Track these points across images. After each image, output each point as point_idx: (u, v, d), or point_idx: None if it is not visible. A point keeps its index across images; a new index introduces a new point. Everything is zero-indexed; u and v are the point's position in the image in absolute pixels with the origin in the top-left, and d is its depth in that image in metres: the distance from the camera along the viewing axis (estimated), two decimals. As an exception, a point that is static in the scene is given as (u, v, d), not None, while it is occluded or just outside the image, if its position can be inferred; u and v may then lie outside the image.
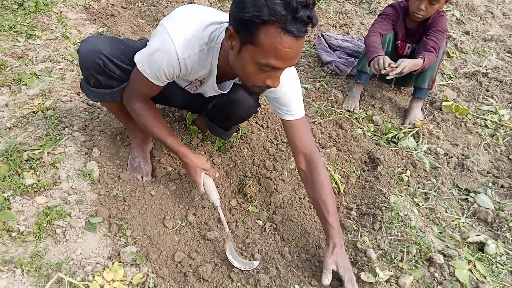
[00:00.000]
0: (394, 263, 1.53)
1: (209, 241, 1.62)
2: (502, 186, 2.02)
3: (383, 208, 1.75)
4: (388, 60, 2.11)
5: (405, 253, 1.55)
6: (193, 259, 1.54)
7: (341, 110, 2.46)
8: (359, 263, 1.54)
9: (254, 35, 1.07)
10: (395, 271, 1.50)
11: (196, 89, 1.65)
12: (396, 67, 2.07)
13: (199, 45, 1.30)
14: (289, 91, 1.48)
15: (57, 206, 1.57)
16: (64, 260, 1.41)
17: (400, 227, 1.67)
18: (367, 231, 1.67)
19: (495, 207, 1.89)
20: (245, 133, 2.10)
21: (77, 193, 1.68)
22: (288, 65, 1.17)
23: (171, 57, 1.29)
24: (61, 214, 1.53)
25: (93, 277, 1.35)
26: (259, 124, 2.22)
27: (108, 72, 1.47)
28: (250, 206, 1.79)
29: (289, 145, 1.62)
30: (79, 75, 2.59)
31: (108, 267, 1.41)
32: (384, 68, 2.10)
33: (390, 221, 1.69)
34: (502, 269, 1.58)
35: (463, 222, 1.81)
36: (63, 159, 1.79)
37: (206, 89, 1.58)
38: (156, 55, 1.31)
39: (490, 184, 2.03)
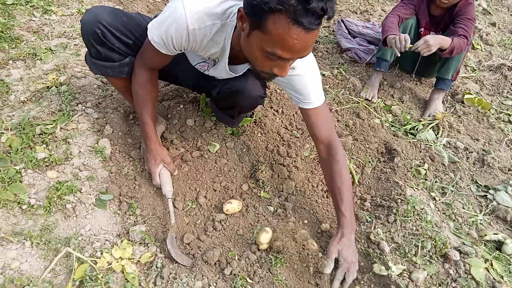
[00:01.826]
0: (408, 257, 1.49)
1: (219, 223, 1.59)
2: (523, 185, 1.94)
3: (399, 200, 1.70)
4: (409, 39, 2.04)
5: (419, 247, 1.51)
6: (202, 241, 1.52)
7: (359, 98, 2.39)
8: (371, 255, 1.50)
9: (263, 21, 1.02)
10: (408, 265, 1.46)
11: (207, 69, 1.60)
12: (422, 43, 1.99)
13: (212, 18, 1.25)
14: (306, 79, 1.42)
15: (68, 181, 1.56)
16: (73, 235, 1.40)
17: (415, 221, 1.62)
18: (381, 223, 1.63)
19: (515, 206, 1.82)
20: (259, 118, 2.06)
21: (88, 169, 1.66)
22: (296, 57, 1.11)
23: (181, 26, 1.24)
24: (72, 190, 1.52)
25: (101, 253, 1.34)
26: (274, 109, 2.17)
27: (107, 43, 1.44)
28: (262, 191, 1.75)
29: (308, 132, 1.56)
30: (94, 52, 2.57)
31: (117, 245, 1.40)
32: (405, 47, 2.03)
33: (406, 214, 1.64)
34: (520, 269, 1.52)
35: (481, 220, 1.75)
36: (75, 135, 1.78)
37: (219, 71, 1.53)
38: (166, 22, 1.27)
39: (511, 182, 1.96)
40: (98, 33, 1.40)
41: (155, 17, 1.64)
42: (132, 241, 1.44)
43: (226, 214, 1.63)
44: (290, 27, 0.98)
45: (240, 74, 1.48)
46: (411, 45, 2.07)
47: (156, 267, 1.38)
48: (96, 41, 1.43)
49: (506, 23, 3.49)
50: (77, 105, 1.96)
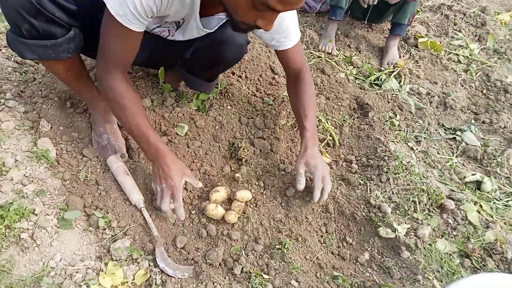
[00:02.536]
0: (409, 214, 1.48)
1: (210, 219, 1.40)
2: (483, 122, 2.05)
3: (386, 158, 1.67)
4: None
5: (417, 203, 1.51)
6: (198, 242, 1.34)
7: (320, 53, 2.26)
8: (374, 219, 1.46)
9: None
10: (411, 222, 1.45)
11: (169, 34, 1.33)
12: None
13: None
14: (286, 18, 1.29)
15: (12, 203, 1.21)
16: (41, 271, 1.11)
17: (405, 176, 1.61)
18: (375, 184, 1.59)
19: (481, 144, 1.92)
20: (224, 88, 1.82)
21: (34, 181, 1.31)
22: (288, 9, 0.96)
23: None
24: (23, 213, 1.19)
25: (88, 287, 1.09)
26: (236, 75, 1.94)
27: (45, 13, 1.08)
28: (247, 172, 1.58)
29: (281, 65, 1.53)
30: (-7, 24, 2.02)
31: (102, 270, 1.15)
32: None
33: (396, 171, 1.62)
34: (498, 204, 1.62)
35: (456, 162, 1.82)
36: (2, 138, 1.38)
37: (189, 31, 1.28)
38: None
39: (473, 121, 2.05)
40: (32, 0, 1.02)
41: None
42: (118, 261, 1.20)
43: (215, 204, 1.44)
44: None
45: (216, 29, 1.28)
46: None
47: (156, 284, 1.17)
48: (30, 12, 1.05)
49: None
50: (-8, 98, 1.52)
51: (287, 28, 1.33)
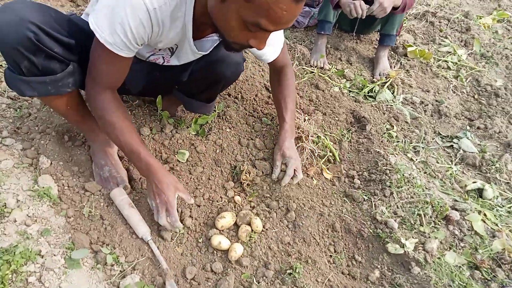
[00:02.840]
0: (415, 228, 1.49)
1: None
2: (478, 128, 2.08)
3: (387, 171, 1.68)
4: (365, 6, 1.96)
5: (422, 216, 1.52)
6: (208, 271, 1.32)
7: (312, 69, 2.28)
8: (382, 236, 1.46)
9: None
10: (418, 236, 1.46)
11: (164, 61, 1.34)
12: (378, 6, 1.94)
13: None
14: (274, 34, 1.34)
15: (17, 245, 1.19)
16: (52, 316, 1.08)
17: (408, 189, 1.62)
18: (379, 199, 1.59)
19: (478, 150, 1.95)
20: (222, 110, 1.82)
21: (38, 221, 1.29)
22: (280, 29, 0.98)
23: (138, 9, 1.00)
24: (29, 256, 1.16)
25: (101, 330, 1.07)
26: (232, 96, 1.95)
27: (44, 49, 1.07)
28: (249, 196, 1.57)
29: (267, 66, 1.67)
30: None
31: (114, 310, 1.13)
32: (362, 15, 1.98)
33: (398, 184, 1.63)
34: (501, 211, 1.64)
35: (455, 170, 1.84)
36: (1, 178, 1.36)
37: (183, 55, 1.30)
38: (117, 11, 0.99)
39: (468, 127, 2.09)
40: (31, 37, 1.02)
41: (70, 14, 1.27)
42: (128, 298, 1.18)
43: (221, 231, 1.44)
44: None
45: (210, 50, 1.30)
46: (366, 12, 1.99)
47: (169, 320, 1.15)
48: (29, 49, 1.04)
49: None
50: (-12, 137, 1.50)
51: (275, 41, 1.45)
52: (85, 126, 1.45)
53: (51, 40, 1.08)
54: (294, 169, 1.53)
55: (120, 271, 1.25)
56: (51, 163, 1.47)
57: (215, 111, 1.78)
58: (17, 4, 1.04)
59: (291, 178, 1.53)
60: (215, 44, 1.30)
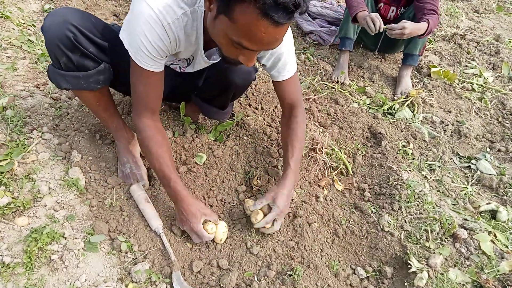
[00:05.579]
0: (421, 243, 1.49)
1: (225, 244, 1.47)
2: (499, 150, 2.05)
3: (398, 186, 1.70)
4: (380, 20, 2.02)
5: (429, 231, 1.52)
6: (213, 266, 1.40)
7: (333, 84, 2.34)
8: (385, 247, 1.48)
9: (230, 8, 0.93)
10: (423, 251, 1.47)
11: (181, 70, 1.49)
12: (399, 29, 1.98)
13: (180, 7, 1.13)
14: (283, 51, 1.36)
15: (44, 226, 1.33)
16: (68, 291, 1.20)
17: (417, 205, 1.63)
18: (387, 213, 1.62)
19: (496, 172, 1.92)
20: (241, 119, 1.93)
21: (65, 207, 1.44)
22: (264, 49, 1.05)
23: (156, 26, 1.12)
24: (54, 237, 1.30)
25: (109, 307, 1.17)
26: (253, 107, 2.05)
27: (80, 48, 1.25)
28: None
29: (278, 98, 1.57)
30: (32, 63, 2.23)
31: (123, 292, 1.23)
32: (379, 28, 2.01)
33: (408, 199, 1.64)
34: (515, 234, 1.60)
35: (470, 191, 1.82)
36: (38, 168, 1.52)
37: (197, 65, 1.44)
38: (138, 30, 1.13)
39: (488, 149, 2.06)
40: (70, 36, 1.20)
41: (112, 25, 1.44)
42: (137, 283, 1.28)
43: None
44: (259, 19, 0.90)
45: (219, 59, 1.38)
46: (385, 27, 2.04)
47: (172, 307, 1.24)
48: (68, 46, 1.23)
49: (446, -9, 3.64)
50: (31, 131, 1.68)
51: (285, 59, 1.40)
52: (112, 124, 1.59)
53: (87, 40, 1.26)
54: (274, 219, 1.45)
55: (133, 258, 1.36)
56: (81, 158, 1.63)
57: (234, 119, 1.89)
58: (64, 9, 1.24)
59: (265, 226, 1.45)
60: None
